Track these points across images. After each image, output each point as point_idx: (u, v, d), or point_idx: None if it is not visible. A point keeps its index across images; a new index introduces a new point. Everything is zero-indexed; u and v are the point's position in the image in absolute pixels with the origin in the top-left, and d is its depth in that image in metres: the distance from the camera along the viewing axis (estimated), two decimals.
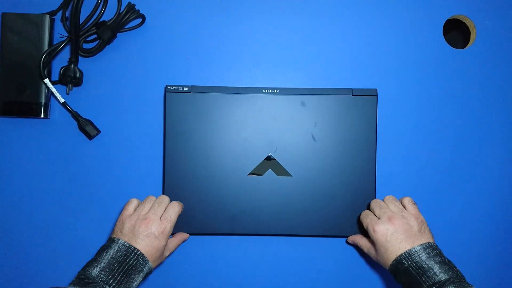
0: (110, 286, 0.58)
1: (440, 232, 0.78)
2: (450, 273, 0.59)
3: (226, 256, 0.78)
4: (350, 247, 0.78)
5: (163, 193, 0.73)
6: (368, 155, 0.74)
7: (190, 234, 0.75)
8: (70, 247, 0.78)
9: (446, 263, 0.60)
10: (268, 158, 0.73)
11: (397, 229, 0.63)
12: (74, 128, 0.78)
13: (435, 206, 0.78)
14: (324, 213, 0.73)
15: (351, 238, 0.74)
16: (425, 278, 0.58)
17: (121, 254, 0.61)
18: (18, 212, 0.78)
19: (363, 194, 0.73)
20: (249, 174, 0.73)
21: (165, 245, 0.66)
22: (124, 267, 0.60)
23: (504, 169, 0.79)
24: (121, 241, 0.63)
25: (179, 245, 0.73)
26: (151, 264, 0.63)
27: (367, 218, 0.68)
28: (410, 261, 0.61)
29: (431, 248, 0.62)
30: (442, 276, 0.58)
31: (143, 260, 0.62)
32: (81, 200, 0.78)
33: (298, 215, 0.73)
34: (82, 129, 0.77)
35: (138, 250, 0.62)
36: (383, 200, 0.70)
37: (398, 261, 0.62)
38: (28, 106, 0.76)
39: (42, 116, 0.76)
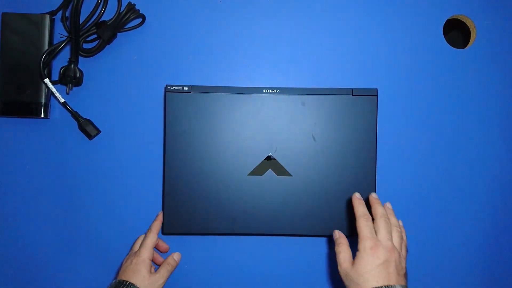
0: None
1: (440, 231, 0.78)
2: None
3: (226, 256, 0.78)
4: (352, 247, 0.77)
5: (163, 193, 0.74)
6: (368, 155, 0.74)
7: (191, 235, 0.75)
8: (69, 246, 0.78)
9: None
10: (268, 158, 0.73)
11: (392, 261, 0.60)
12: (74, 128, 0.78)
13: (435, 206, 0.78)
14: (325, 213, 0.73)
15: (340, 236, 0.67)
16: None
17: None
18: (18, 212, 0.78)
19: (364, 194, 0.73)
20: (249, 174, 0.73)
21: (144, 263, 0.69)
22: None
23: (504, 168, 0.79)
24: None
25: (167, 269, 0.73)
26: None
27: (368, 231, 0.62)
28: None
29: None
30: None
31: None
32: (81, 200, 0.78)
33: (298, 215, 0.73)
34: (82, 129, 0.77)
35: (125, 281, 0.67)
36: (383, 206, 0.66)
37: None
38: (28, 106, 0.76)
39: (42, 116, 0.76)
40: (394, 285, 0.58)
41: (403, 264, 0.62)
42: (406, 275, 0.62)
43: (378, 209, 0.64)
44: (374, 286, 0.58)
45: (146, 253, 0.70)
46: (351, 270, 0.61)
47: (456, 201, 0.78)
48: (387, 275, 0.58)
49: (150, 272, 0.70)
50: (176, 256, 0.75)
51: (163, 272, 0.71)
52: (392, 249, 0.61)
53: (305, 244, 0.77)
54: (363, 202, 0.66)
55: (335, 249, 0.65)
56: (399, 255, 0.61)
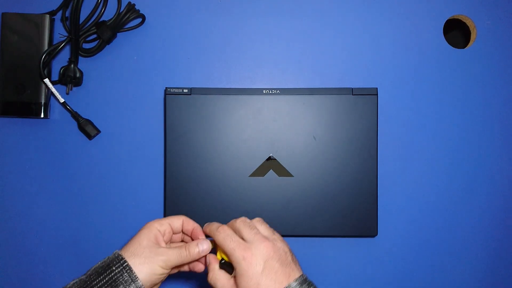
0: None
1: (442, 232, 0.78)
2: None
3: None
4: (353, 247, 0.78)
5: (165, 195, 0.74)
6: (369, 154, 0.74)
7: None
8: (69, 247, 0.78)
9: None
10: (269, 159, 0.73)
11: (272, 256, 0.52)
12: (74, 128, 0.78)
13: (437, 205, 0.78)
14: (326, 213, 0.73)
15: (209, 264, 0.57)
16: None
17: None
18: (18, 212, 0.78)
19: (365, 194, 0.74)
20: (251, 175, 0.73)
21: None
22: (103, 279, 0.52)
23: (505, 168, 0.79)
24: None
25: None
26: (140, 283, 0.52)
27: (230, 240, 0.54)
28: None
29: (307, 284, 0.53)
30: None
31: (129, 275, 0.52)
32: (81, 200, 0.78)
33: (300, 216, 0.73)
34: (82, 129, 0.77)
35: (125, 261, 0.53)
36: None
37: None
38: (28, 106, 0.75)
39: (42, 116, 0.76)
40: (289, 285, 0.51)
41: (285, 248, 0.55)
42: (294, 257, 0.55)
43: (227, 224, 0.57)
44: None
45: (157, 222, 0.57)
46: None
47: (458, 200, 0.79)
48: (274, 276, 0.52)
49: (156, 243, 0.55)
50: (202, 245, 0.57)
51: (172, 253, 0.54)
52: (264, 240, 0.53)
53: (307, 244, 0.77)
54: (208, 224, 0.58)
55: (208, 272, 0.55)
56: (274, 242, 0.54)
